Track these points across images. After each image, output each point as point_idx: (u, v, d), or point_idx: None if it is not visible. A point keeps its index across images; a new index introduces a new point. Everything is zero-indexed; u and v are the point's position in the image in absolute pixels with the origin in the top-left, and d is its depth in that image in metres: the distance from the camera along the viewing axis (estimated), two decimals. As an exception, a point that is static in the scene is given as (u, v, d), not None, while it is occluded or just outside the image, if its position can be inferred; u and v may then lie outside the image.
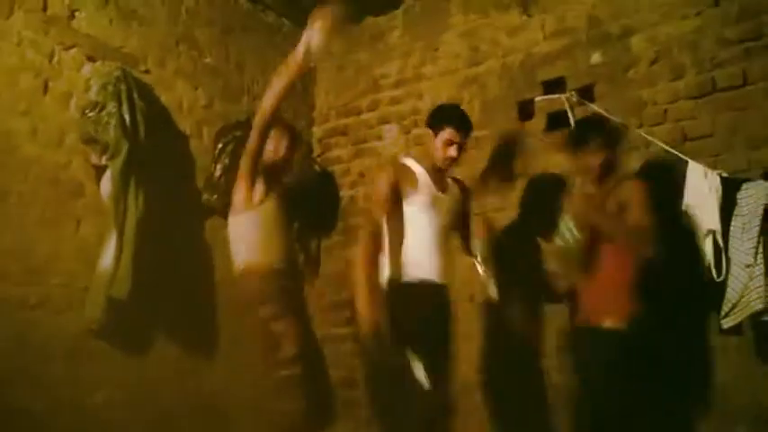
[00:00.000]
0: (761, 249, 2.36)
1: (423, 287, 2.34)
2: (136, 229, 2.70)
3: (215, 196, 3.20)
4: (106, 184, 2.70)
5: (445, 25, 3.56)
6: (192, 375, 3.05)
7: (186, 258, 3.11)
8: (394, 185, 2.39)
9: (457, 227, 2.59)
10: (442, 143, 2.42)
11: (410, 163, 2.48)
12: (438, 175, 2.47)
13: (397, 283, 2.33)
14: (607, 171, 2.45)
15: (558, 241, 2.57)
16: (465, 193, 2.62)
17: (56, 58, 2.72)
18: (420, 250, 2.37)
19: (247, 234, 2.44)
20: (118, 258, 2.65)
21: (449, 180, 2.55)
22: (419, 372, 2.21)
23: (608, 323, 2.30)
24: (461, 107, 2.72)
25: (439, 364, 2.33)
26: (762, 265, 2.35)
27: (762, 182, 2.41)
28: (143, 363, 2.86)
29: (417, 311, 2.30)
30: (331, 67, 4.02)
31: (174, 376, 2.98)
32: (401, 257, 2.36)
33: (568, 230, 2.51)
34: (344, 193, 3.77)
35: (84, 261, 2.69)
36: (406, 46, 3.71)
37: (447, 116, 2.47)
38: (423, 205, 2.39)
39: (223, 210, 3.21)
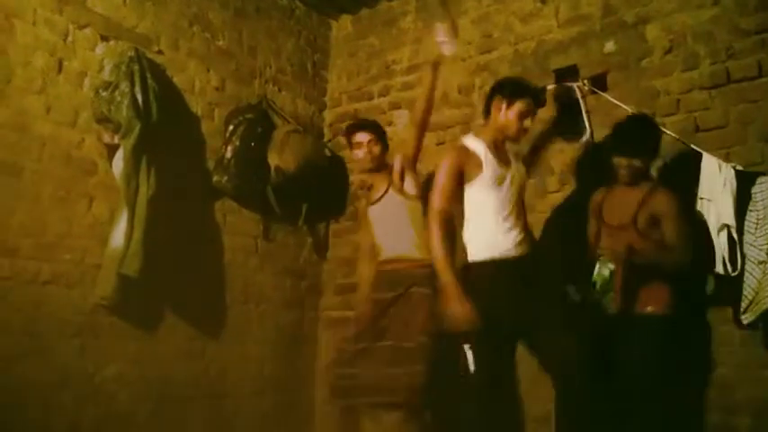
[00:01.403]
0: (774, 244, 2.33)
1: (492, 266, 2.36)
2: (147, 207, 2.73)
3: (225, 178, 3.23)
4: (118, 163, 2.73)
5: (458, 11, 3.53)
6: (200, 355, 3.11)
7: (196, 239, 3.15)
8: (457, 172, 2.42)
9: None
10: (516, 114, 2.44)
11: (471, 143, 2.48)
12: (500, 149, 2.50)
13: (466, 267, 2.38)
14: (639, 177, 2.43)
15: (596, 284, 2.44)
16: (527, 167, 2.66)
17: (70, 38, 2.75)
18: (487, 229, 2.39)
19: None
20: (129, 236, 2.69)
21: (510, 154, 2.56)
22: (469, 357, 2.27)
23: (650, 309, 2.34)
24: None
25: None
26: (775, 260, 2.32)
27: (776, 175, 2.38)
28: (153, 340, 2.91)
29: (491, 291, 2.32)
30: (343, 52, 4.02)
31: (183, 355, 3.03)
32: (464, 241, 2.43)
33: (605, 269, 2.39)
34: (354, 179, 3.78)
35: (96, 238, 2.73)
36: (419, 31, 3.69)
37: (522, 88, 2.50)
38: (487, 184, 2.40)
39: (232, 192, 3.27)
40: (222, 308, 3.25)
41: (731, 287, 2.45)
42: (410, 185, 2.80)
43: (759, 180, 2.40)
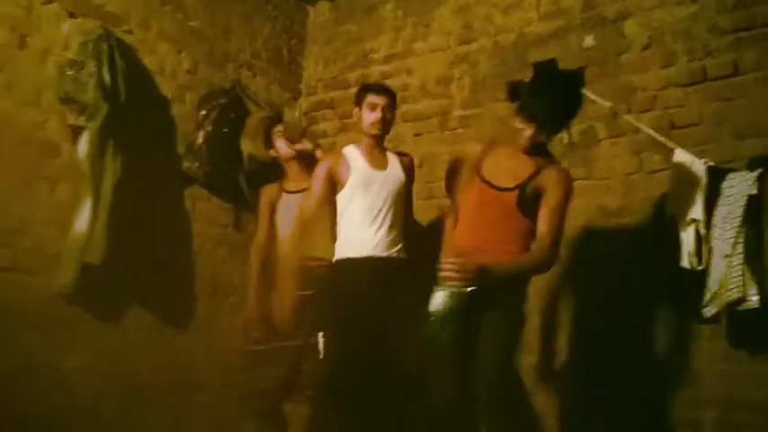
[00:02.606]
0: (741, 239, 2.36)
1: (353, 264, 2.48)
2: (112, 193, 2.63)
3: (196, 164, 3.13)
4: (83, 146, 2.61)
5: (438, 1, 3.50)
6: (166, 346, 3.01)
7: (164, 226, 3.05)
8: (328, 178, 2.58)
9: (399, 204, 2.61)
10: (367, 109, 2.56)
11: (348, 150, 2.63)
12: (376, 153, 2.60)
13: (332, 264, 2.55)
14: (535, 149, 2.19)
15: None
16: (407, 170, 2.68)
17: (34, 12, 2.61)
18: (353, 230, 2.51)
19: None
20: (93, 223, 2.58)
21: (390, 157, 2.64)
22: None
23: None
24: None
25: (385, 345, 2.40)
26: (741, 255, 2.35)
27: (747, 172, 2.41)
28: (117, 331, 2.81)
29: (348, 287, 2.45)
30: (320, 39, 3.95)
31: (149, 346, 2.93)
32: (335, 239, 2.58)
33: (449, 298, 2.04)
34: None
35: (58, 224, 2.61)
36: (398, 20, 3.64)
37: (365, 87, 2.66)
38: (354, 187, 2.52)
39: (203, 178, 3.18)
40: (190, 298, 3.16)
41: (695, 281, 2.47)
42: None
43: (729, 176, 2.43)
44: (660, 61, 2.78)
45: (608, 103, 2.78)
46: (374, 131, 2.60)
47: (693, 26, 2.71)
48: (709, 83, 2.65)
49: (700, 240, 2.47)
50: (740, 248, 2.37)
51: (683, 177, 2.55)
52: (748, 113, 2.54)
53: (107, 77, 2.64)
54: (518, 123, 2.18)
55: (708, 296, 2.45)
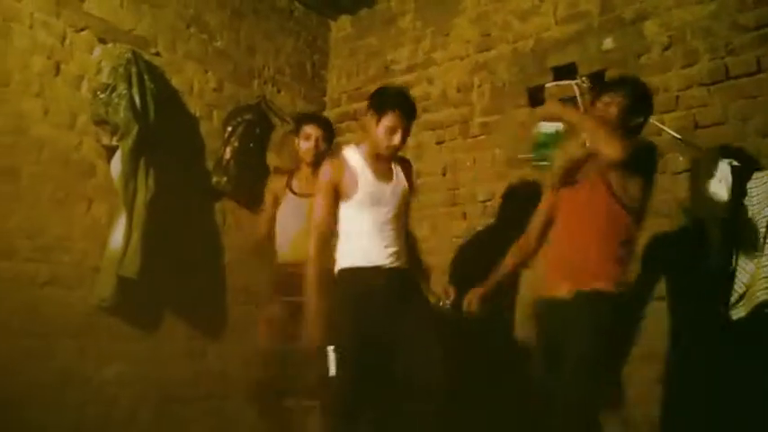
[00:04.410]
0: (768, 240, 2.31)
1: (362, 273, 2.29)
2: (145, 209, 2.75)
3: (224, 179, 3.24)
4: (116, 165, 2.74)
5: (456, 10, 3.53)
6: (200, 355, 3.11)
7: (195, 239, 3.16)
8: (333, 189, 2.32)
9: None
10: (384, 130, 2.28)
11: (350, 155, 2.35)
12: (381, 163, 2.35)
13: (338, 273, 2.34)
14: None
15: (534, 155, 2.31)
16: (409, 177, 2.47)
17: (67, 41, 2.76)
18: (361, 245, 2.32)
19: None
20: (127, 238, 2.70)
21: (394, 168, 2.41)
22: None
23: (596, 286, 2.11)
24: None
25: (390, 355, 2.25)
26: (768, 256, 2.30)
27: (772, 170, 2.36)
28: (152, 341, 2.92)
29: (356, 296, 2.27)
30: (342, 52, 4.02)
31: (183, 356, 3.04)
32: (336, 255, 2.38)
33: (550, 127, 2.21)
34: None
35: (95, 240, 2.74)
36: (418, 31, 3.69)
37: (392, 101, 2.30)
38: (362, 203, 2.31)
39: (232, 192, 3.28)
40: (222, 308, 3.25)
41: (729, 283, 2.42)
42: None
43: (755, 175, 2.38)
44: (681, 61, 2.75)
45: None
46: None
47: (714, 24, 2.67)
48: (732, 81, 2.61)
49: (726, 241, 2.43)
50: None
51: (708, 178, 2.51)
52: (773, 111, 2.49)
53: (137, 99, 2.77)
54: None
55: (734, 298, 2.40)
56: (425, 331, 2.26)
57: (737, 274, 2.38)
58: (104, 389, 2.71)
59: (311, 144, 2.80)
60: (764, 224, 2.34)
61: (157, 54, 3.08)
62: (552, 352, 2.18)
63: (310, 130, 2.82)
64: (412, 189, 2.50)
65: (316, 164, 2.72)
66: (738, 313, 2.39)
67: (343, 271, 2.33)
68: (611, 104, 2.22)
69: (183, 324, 3.04)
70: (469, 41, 3.46)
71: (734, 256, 2.40)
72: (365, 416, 2.29)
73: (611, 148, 2.05)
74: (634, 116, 2.24)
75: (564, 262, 2.22)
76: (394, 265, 2.32)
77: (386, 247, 2.32)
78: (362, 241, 2.32)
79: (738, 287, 2.37)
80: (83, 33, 2.81)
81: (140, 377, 2.84)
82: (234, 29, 3.49)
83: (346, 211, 2.34)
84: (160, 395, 2.90)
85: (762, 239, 2.32)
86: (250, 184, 3.30)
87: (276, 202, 2.87)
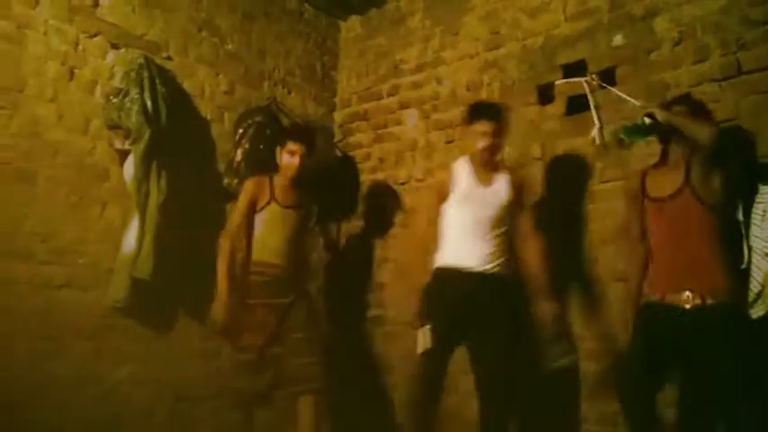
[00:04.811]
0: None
1: (450, 273, 2.54)
2: (158, 211, 2.79)
3: (236, 181, 3.26)
4: (129, 169, 2.78)
5: (465, 8, 3.53)
6: (213, 355, 3.14)
7: (208, 241, 3.16)
8: (440, 190, 2.63)
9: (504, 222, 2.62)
10: (476, 134, 2.58)
11: (459, 163, 2.65)
12: (486, 168, 2.61)
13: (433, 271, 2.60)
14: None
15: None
16: (516, 188, 2.64)
17: (81, 47, 2.81)
18: (452, 243, 2.57)
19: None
20: (140, 240, 2.74)
21: (498, 175, 2.63)
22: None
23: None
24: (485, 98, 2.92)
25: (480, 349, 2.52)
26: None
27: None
28: (166, 341, 2.96)
29: (445, 293, 2.51)
30: (352, 53, 4.04)
31: (197, 355, 3.08)
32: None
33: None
34: (365, 178, 3.79)
35: (109, 242, 2.79)
36: (427, 30, 3.69)
37: (476, 110, 2.64)
38: (457, 201, 2.57)
39: (243, 194, 3.30)
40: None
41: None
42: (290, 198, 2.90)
43: (762, 190, 2.34)
44: (692, 57, 2.72)
45: (639, 103, 2.73)
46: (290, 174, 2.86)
47: (725, 19, 2.64)
48: (744, 76, 2.57)
49: (740, 239, 2.40)
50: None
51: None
52: (786, 106, 2.46)
53: (149, 103, 2.81)
54: None
55: (752, 297, 2.37)
56: (498, 343, 2.49)
57: (752, 272, 2.35)
58: (118, 389, 2.76)
59: (295, 161, 2.85)
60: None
61: (169, 58, 3.12)
62: (656, 359, 2.28)
63: (294, 146, 2.86)
64: (519, 202, 2.63)
65: (295, 178, 2.87)
66: (758, 312, 2.36)
67: (436, 270, 2.58)
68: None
69: (196, 325, 3.07)
70: (479, 39, 3.45)
71: (747, 255, 2.38)
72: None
73: (701, 131, 2.20)
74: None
75: (677, 268, 2.28)
76: (484, 268, 2.51)
77: (474, 248, 2.52)
78: (454, 242, 2.56)
79: (754, 286, 2.34)
80: (95, 39, 2.86)
81: (154, 377, 2.88)
82: (245, 32, 3.52)
83: (447, 209, 2.60)
84: (174, 395, 2.94)
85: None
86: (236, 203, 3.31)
87: (253, 207, 2.86)
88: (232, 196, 3.30)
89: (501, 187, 2.60)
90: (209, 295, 3.10)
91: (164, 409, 2.89)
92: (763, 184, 2.35)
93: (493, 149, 2.60)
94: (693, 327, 2.20)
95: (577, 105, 3.00)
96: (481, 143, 2.56)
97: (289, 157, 2.87)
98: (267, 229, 2.85)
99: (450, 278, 2.52)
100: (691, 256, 2.26)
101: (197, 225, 3.09)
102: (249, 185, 2.89)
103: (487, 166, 2.61)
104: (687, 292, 2.23)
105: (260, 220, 2.87)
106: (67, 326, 2.64)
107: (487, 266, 2.52)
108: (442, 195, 2.61)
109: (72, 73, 2.77)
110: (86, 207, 2.78)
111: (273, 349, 2.73)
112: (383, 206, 3.66)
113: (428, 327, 2.44)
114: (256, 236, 2.86)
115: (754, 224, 2.35)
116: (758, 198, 2.35)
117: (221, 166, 3.29)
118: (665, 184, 2.33)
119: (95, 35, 2.86)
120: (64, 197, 2.70)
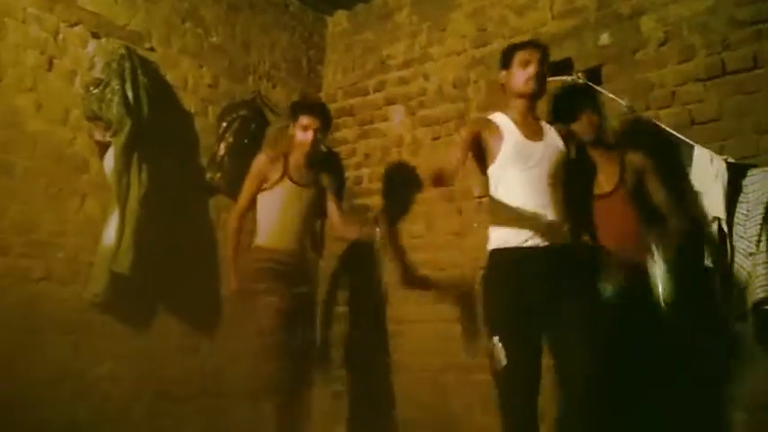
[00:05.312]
0: (764, 237, 2.30)
1: (512, 254, 2.08)
2: (138, 205, 2.74)
3: (218, 175, 3.23)
4: (109, 161, 2.73)
5: (453, 5, 3.51)
6: (193, 352, 3.11)
7: (189, 236, 3.15)
8: (475, 145, 2.16)
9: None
10: (517, 68, 2.20)
11: (496, 116, 2.23)
12: (529, 120, 2.20)
13: (490, 254, 2.15)
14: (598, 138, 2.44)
15: None
16: (566, 138, 2.26)
17: (61, 36, 2.75)
18: (509, 213, 2.10)
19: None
20: (120, 234, 2.69)
21: (545, 126, 2.24)
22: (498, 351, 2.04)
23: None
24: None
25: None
26: (764, 254, 2.29)
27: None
28: (146, 337, 2.92)
29: (503, 283, 2.10)
30: (338, 47, 4.01)
31: (176, 352, 3.03)
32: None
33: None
34: (350, 174, 3.76)
35: (88, 236, 2.74)
36: (414, 26, 3.67)
37: (516, 45, 2.31)
38: (508, 160, 2.13)
39: (226, 188, 3.27)
40: (216, 305, 3.24)
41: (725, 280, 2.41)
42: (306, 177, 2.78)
43: (750, 172, 2.37)
44: (678, 56, 2.73)
45: (624, 101, 2.74)
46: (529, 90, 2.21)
47: (711, 19, 2.65)
48: (728, 77, 2.59)
49: (723, 238, 2.42)
50: (763, 246, 2.31)
51: (704, 174, 2.49)
52: (770, 106, 2.48)
53: (130, 94, 2.76)
54: None
55: (734, 295, 2.39)
56: (578, 323, 2.02)
57: (735, 272, 2.37)
58: (98, 385, 2.71)
59: (308, 136, 2.72)
60: (760, 221, 2.33)
61: (152, 49, 3.07)
62: None
63: (307, 120, 2.73)
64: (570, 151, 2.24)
65: (309, 155, 2.72)
66: (738, 311, 2.38)
67: (492, 252, 2.13)
68: None
69: (176, 320, 3.03)
70: (466, 36, 3.44)
71: (730, 255, 2.39)
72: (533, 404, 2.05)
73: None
74: None
75: None
76: (546, 241, 2.06)
77: (541, 214, 2.07)
78: (513, 208, 2.08)
79: (737, 285, 2.36)
80: (76, 28, 2.80)
81: (134, 374, 2.83)
82: (229, 24, 3.47)
83: (493, 170, 2.15)
84: (153, 391, 2.90)
85: (757, 237, 2.31)
86: (244, 180, 3.29)
87: (262, 184, 2.73)
88: (215, 191, 3.28)
89: (554, 141, 2.21)
90: (191, 291, 3.09)
91: (143, 405, 2.85)
92: (747, 185, 2.37)
93: (541, 83, 2.22)
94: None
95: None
96: (530, 70, 2.17)
97: (302, 133, 2.71)
98: (280, 209, 2.69)
99: (510, 261, 2.08)
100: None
101: (178, 219, 3.05)
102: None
103: (531, 114, 2.22)
104: None
105: (271, 198, 2.71)
106: (46, 320, 2.59)
107: (556, 238, 2.08)
108: (482, 152, 2.16)
109: (51, 62, 2.71)
110: (65, 199, 2.72)
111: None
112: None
113: (497, 338, 2.03)
114: (267, 217, 2.70)
115: (738, 224, 2.38)
116: (741, 198, 2.37)
117: (204, 160, 3.25)
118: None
119: (76, 24, 2.80)
120: (43, 189, 2.65)
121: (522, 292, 2.06)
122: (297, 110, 2.83)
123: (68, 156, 2.74)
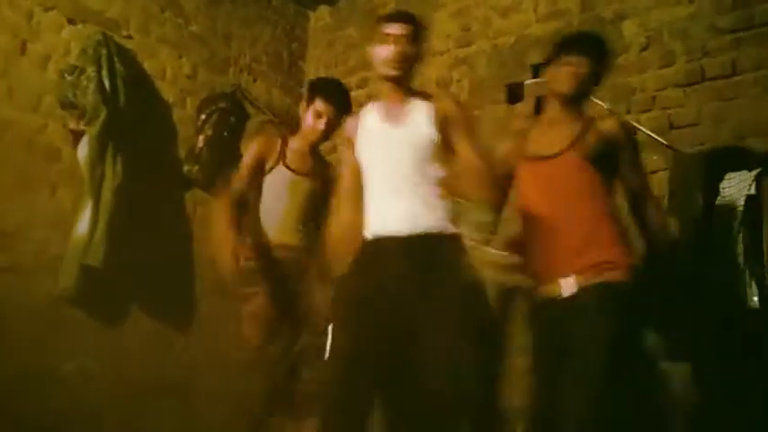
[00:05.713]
0: (740, 240, 2.34)
1: (372, 246, 1.84)
2: (113, 196, 2.66)
3: (196, 168, 3.16)
4: (83, 150, 2.65)
5: (437, 4, 3.51)
6: (167, 349, 3.03)
7: (165, 229, 3.07)
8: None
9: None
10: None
11: (366, 108, 2.00)
12: (394, 106, 1.90)
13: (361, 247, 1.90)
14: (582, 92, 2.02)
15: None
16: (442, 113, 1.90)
17: (35, 19, 2.66)
18: (373, 202, 1.89)
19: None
20: (93, 226, 2.62)
21: (415, 103, 1.91)
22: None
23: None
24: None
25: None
26: (740, 256, 2.33)
27: (745, 172, 2.38)
28: (116, 334, 2.83)
29: (358, 274, 1.85)
30: (321, 43, 3.97)
31: (149, 349, 2.95)
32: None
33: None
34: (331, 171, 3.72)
35: (58, 228, 2.65)
36: (398, 23, 3.65)
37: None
38: (367, 147, 1.89)
39: (204, 182, 3.20)
40: (190, 301, 3.17)
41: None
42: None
43: (727, 176, 2.41)
44: (658, 62, 2.77)
45: (605, 105, 2.76)
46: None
47: (691, 26, 2.70)
48: (707, 83, 2.64)
49: (700, 241, 2.45)
50: (740, 249, 2.35)
51: (682, 178, 2.53)
52: (747, 113, 2.52)
53: (107, 82, 2.68)
54: None
55: (711, 297, 2.42)
56: (449, 322, 1.72)
57: (712, 274, 2.40)
58: (67, 382, 2.62)
59: (320, 125, 2.36)
60: (736, 226, 2.37)
61: (129, 37, 2.99)
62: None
63: (323, 107, 2.35)
64: (460, 122, 1.90)
65: (316, 144, 2.44)
66: (715, 312, 2.41)
67: (361, 245, 1.86)
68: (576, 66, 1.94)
69: (148, 316, 2.95)
70: (449, 36, 3.44)
71: (704, 258, 2.43)
72: (365, 414, 1.76)
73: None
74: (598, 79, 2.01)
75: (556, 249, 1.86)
76: (407, 230, 1.78)
77: (398, 204, 1.81)
78: (375, 201, 1.86)
79: (714, 287, 2.38)
80: (51, 13, 2.71)
81: (104, 371, 2.74)
82: (210, 15, 3.41)
83: (360, 157, 1.91)
84: (125, 389, 2.81)
85: (733, 240, 2.34)
86: (223, 174, 3.22)
87: (260, 167, 2.40)
88: (192, 184, 3.21)
89: (420, 124, 1.86)
90: (165, 285, 3.01)
91: (115, 403, 2.76)
92: (724, 188, 2.40)
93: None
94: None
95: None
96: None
97: (314, 119, 2.36)
98: (271, 198, 2.38)
99: (373, 250, 1.83)
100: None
101: (154, 212, 2.97)
102: (257, 141, 2.43)
103: (400, 96, 1.89)
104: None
105: (264, 185, 2.38)
106: (11, 314, 2.48)
107: (422, 227, 1.79)
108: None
109: (24, 47, 2.62)
110: (35, 189, 2.63)
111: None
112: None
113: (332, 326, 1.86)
114: (265, 204, 2.38)
115: (715, 227, 2.40)
116: (719, 201, 2.40)
117: (182, 153, 3.17)
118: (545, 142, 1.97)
119: (51, 8, 2.71)
120: (11, 178, 2.55)
121: (366, 285, 1.82)
122: (315, 91, 2.43)
123: (39, 144, 2.65)
